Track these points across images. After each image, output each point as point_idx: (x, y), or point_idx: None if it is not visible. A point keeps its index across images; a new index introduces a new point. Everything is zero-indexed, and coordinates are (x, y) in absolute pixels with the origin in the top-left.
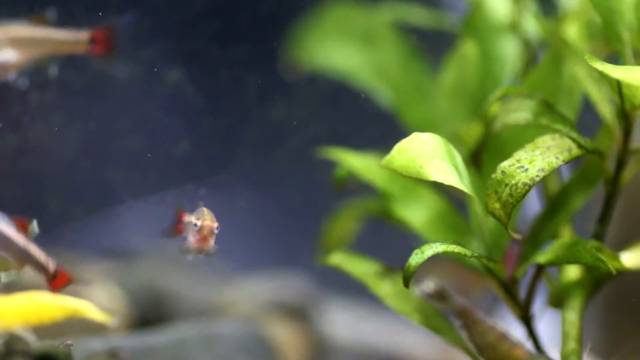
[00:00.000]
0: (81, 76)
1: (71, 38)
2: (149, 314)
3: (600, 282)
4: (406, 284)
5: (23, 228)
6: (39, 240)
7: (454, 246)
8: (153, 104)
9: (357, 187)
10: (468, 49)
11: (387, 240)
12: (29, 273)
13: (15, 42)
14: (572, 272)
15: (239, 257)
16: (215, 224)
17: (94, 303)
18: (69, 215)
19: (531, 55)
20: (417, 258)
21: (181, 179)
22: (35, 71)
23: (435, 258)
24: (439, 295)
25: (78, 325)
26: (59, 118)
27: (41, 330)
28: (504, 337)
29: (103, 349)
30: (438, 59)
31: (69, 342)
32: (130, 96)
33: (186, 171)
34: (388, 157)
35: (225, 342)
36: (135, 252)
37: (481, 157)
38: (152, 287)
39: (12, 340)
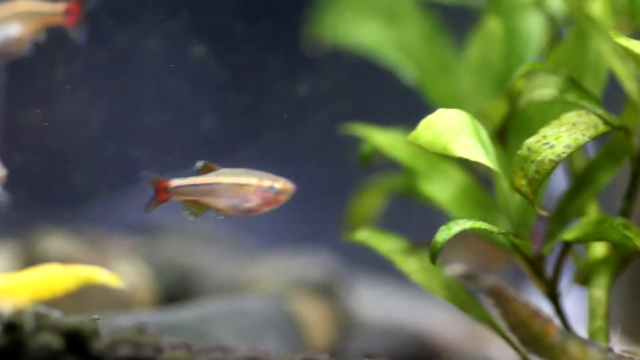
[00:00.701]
0: (106, 52)
1: (52, 10)
2: (174, 289)
3: (627, 259)
4: (433, 260)
5: None
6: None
7: (481, 223)
8: (178, 79)
9: (382, 163)
10: (493, 25)
11: (413, 217)
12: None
13: (21, 17)
14: (599, 249)
15: (265, 234)
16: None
17: (122, 278)
18: (95, 190)
19: (556, 31)
20: (443, 234)
21: (206, 155)
22: (60, 46)
23: (459, 234)
24: (469, 277)
25: (104, 302)
26: (85, 93)
27: (67, 306)
28: (536, 314)
29: (130, 324)
30: (462, 35)
31: (96, 316)
32: (155, 72)
33: (211, 147)
34: (414, 133)
35: (250, 318)
36: (161, 228)
37: (506, 133)
38: (178, 263)
39: (37, 316)
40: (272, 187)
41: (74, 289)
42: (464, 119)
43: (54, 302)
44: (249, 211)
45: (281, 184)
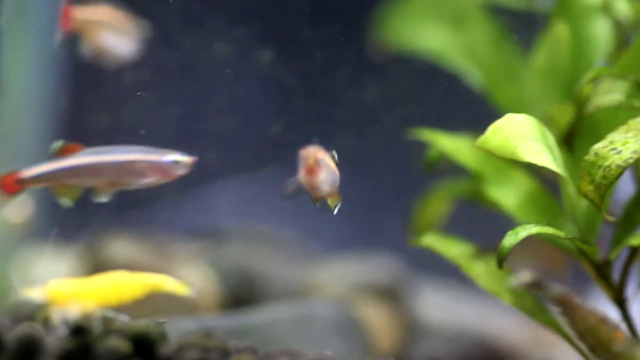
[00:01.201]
0: (175, 56)
1: None
2: (240, 293)
3: None
4: (500, 265)
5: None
6: (133, 219)
7: (548, 228)
8: (246, 84)
9: (448, 168)
10: (560, 30)
11: (479, 222)
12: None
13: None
14: None
15: (329, 238)
16: (320, 154)
17: (188, 282)
18: (160, 194)
19: (623, 36)
20: (511, 239)
21: (273, 159)
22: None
23: (524, 239)
24: (536, 284)
25: (171, 306)
26: (152, 97)
27: (134, 310)
28: (603, 321)
29: (197, 328)
30: (529, 40)
31: (162, 320)
32: (223, 76)
33: (278, 151)
34: (482, 137)
35: (316, 323)
36: (227, 232)
37: (573, 139)
38: (243, 267)
39: (105, 320)
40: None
41: (141, 297)
42: (531, 124)
43: (121, 307)
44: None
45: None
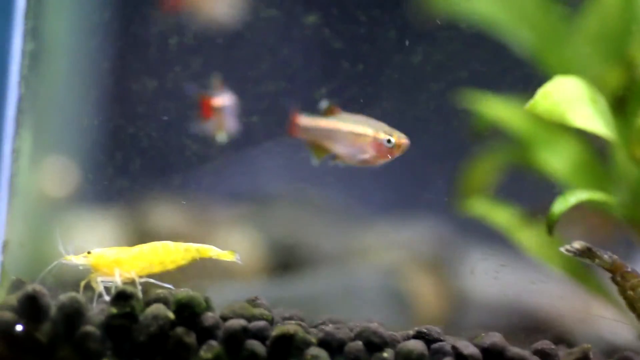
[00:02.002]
0: (220, 22)
1: None
2: (285, 258)
3: None
4: (550, 232)
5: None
6: (177, 183)
7: (599, 194)
8: (292, 49)
9: (497, 132)
10: None
11: (528, 188)
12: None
13: None
14: None
15: (377, 202)
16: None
17: (233, 246)
18: (205, 158)
19: None
20: (560, 206)
21: None
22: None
23: (573, 206)
24: (587, 252)
25: (216, 273)
26: (198, 62)
27: (179, 277)
28: None
29: (242, 296)
30: (576, 3)
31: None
32: (269, 41)
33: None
34: (532, 101)
35: (362, 294)
36: (272, 196)
37: (625, 102)
38: (289, 231)
39: (148, 288)
40: (388, 141)
41: (184, 264)
42: (581, 88)
43: (167, 274)
44: (364, 162)
45: (396, 138)
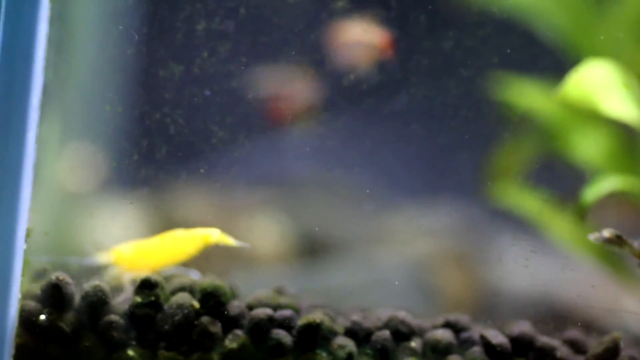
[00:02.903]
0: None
1: None
2: (312, 243)
3: None
4: (581, 219)
5: None
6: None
7: (630, 181)
8: (320, 32)
9: (527, 118)
10: None
11: (559, 175)
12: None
13: None
14: None
15: (406, 188)
16: None
17: (260, 233)
18: (232, 143)
19: None
20: (593, 193)
21: (347, 108)
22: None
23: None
24: (616, 240)
25: (243, 260)
26: (222, 46)
27: (206, 265)
28: None
29: (268, 283)
30: None
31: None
32: (297, 25)
33: (353, 101)
34: (563, 89)
35: (390, 282)
36: (298, 180)
37: None
38: (316, 216)
39: (174, 278)
40: None
41: (197, 252)
42: (614, 74)
43: (193, 263)
44: None
45: None
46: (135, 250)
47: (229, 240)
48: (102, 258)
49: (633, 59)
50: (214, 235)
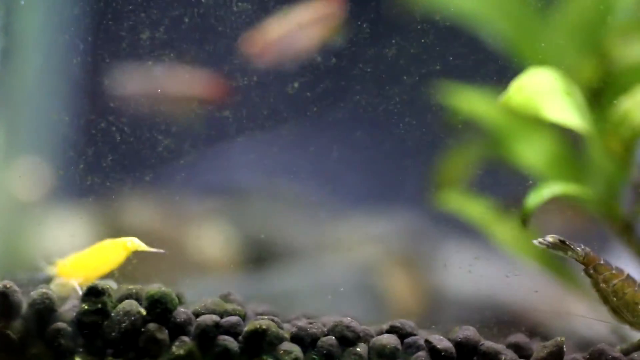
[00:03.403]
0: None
1: None
2: (259, 251)
3: None
4: (524, 224)
5: None
6: (149, 178)
7: (573, 187)
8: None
9: (471, 125)
10: None
11: (502, 181)
12: None
13: None
14: None
15: (351, 194)
16: None
17: (207, 241)
18: (180, 154)
19: None
20: (535, 199)
21: (292, 117)
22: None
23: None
24: (561, 246)
25: (189, 268)
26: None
27: (153, 273)
28: (627, 282)
29: (214, 290)
30: None
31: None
32: (240, 34)
33: (297, 108)
34: (505, 95)
35: (336, 289)
36: (246, 189)
37: (601, 95)
38: (262, 225)
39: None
40: None
41: (123, 260)
42: (555, 80)
43: (137, 270)
44: None
45: None
46: (73, 261)
47: (144, 247)
48: (49, 270)
49: (575, 65)
50: (131, 243)
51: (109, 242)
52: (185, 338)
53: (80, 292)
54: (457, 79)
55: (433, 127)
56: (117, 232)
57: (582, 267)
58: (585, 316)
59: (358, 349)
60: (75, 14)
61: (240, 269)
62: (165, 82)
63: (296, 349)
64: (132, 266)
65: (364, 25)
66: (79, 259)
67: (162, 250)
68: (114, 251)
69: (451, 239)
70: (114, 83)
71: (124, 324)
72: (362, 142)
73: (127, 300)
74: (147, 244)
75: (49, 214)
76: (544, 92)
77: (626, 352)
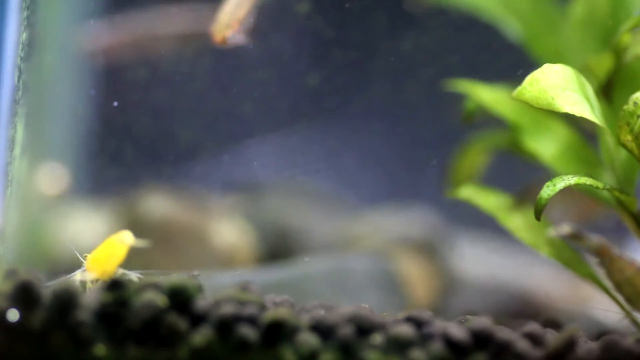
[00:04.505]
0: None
1: None
2: (277, 247)
3: None
4: (538, 216)
5: None
6: (168, 173)
7: (586, 178)
8: (282, 36)
9: (486, 119)
10: None
11: (517, 173)
12: None
13: None
14: None
15: (367, 190)
16: None
17: (224, 236)
18: (197, 149)
19: None
20: (549, 190)
21: (310, 112)
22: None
23: (563, 190)
24: (575, 236)
25: (209, 260)
26: (189, 52)
27: (172, 265)
28: None
29: (233, 282)
30: None
31: (197, 273)
32: (259, 29)
33: (315, 103)
34: (519, 88)
35: (353, 277)
36: (263, 185)
37: (612, 88)
38: (280, 220)
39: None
40: None
41: (124, 253)
42: (569, 75)
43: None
44: None
45: None
46: (92, 256)
47: (133, 241)
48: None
49: (587, 60)
50: (126, 238)
51: (111, 238)
52: (205, 328)
53: (97, 285)
54: (473, 72)
55: (449, 120)
56: (138, 225)
57: (596, 257)
58: (598, 307)
59: (375, 339)
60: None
61: (258, 263)
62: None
63: (314, 339)
64: (151, 257)
65: (381, 19)
66: (95, 254)
67: (147, 245)
68: (115, 246)
69: (467, 231)
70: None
71: (144, 315)
72: (379, 135)
73: (147, 291)
74: (166, 236)
75: (71, 207)
76: (558, 86)
77: None
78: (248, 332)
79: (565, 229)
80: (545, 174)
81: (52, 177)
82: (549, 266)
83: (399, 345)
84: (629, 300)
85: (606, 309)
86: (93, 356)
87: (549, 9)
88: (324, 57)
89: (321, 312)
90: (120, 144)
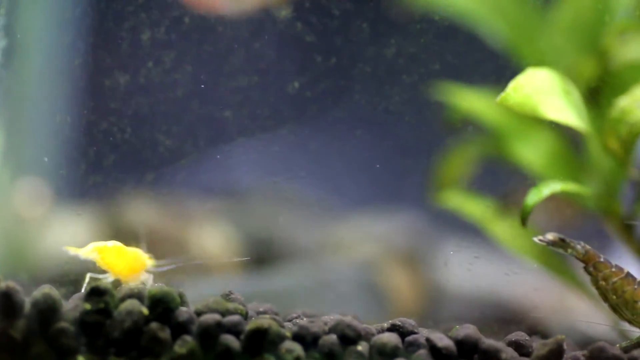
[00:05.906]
0: (191, 15)
1: None
2: (260, 253)
3: None
4: (523, 223)
5: None
6: (151, 178)
7: (572, 185)
8: (264, 42)
9: (470, 124)
10: None
11: (502, 179)
12: None
13: None
14: None
15: (350, 195)
16: None
17: (208, 241)
18: (181, 154)
19: None
20: (534, 197)
21: (293, 117)
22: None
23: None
24: (560, 243)
25: (191, 268)
26: (169, 58)
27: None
28: (627, 279)
29: (217, 290)
30: None
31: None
32: (241, 34)
33: (299, 109)
34: (503, 94)
35: (337, 288)
36: (247, 191)
37: (599, 93)
38: (264, 226)
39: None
40: None
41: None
42: (554, 80)
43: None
44: None
45: None
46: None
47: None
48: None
49: (573, 65)
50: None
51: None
52: (187, 337)
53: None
54: (457, 78)
55: (432, 126)
56: (119, 232)
57: (582, 264)
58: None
59: (359, 348)
60: (77, 14)
61: (241, 269)
62: None
63: (297, 348)
64: None
65: (363, 25)
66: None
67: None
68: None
69: (451, 238)
70: None
71: (126, 324)
72: (362, 141)
73: (129, 300)
74: (148, 242)
75: (52, 214)
76: (542, 91)
77: (626, 350)
78: (231, 341)
79: (550, 235)
80: (531, 179)
81: (32, 186)
82: (534, 274)
83: (383, 354)
84: (613, 308)
85: (592, 322)
86: None
87: (534, 13)
88: (308, 62)
89: (305, 322)
90: (101, 151)
